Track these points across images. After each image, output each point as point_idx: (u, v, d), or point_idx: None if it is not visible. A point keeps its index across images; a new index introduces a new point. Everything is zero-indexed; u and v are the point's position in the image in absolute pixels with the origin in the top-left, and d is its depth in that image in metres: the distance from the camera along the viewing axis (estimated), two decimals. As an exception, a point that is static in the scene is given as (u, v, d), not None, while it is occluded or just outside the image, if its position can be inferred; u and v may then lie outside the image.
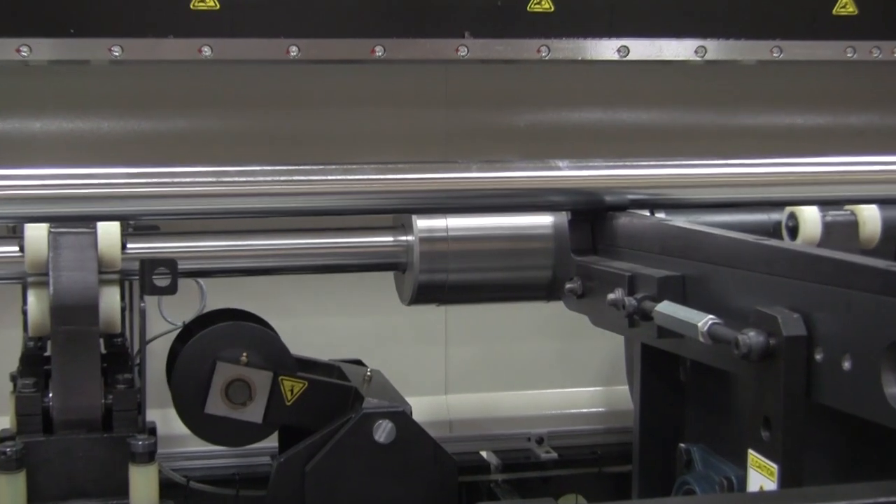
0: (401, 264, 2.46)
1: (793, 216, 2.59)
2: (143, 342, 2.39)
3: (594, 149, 3.25)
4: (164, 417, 2.67)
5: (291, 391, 2.38)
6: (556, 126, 3.31)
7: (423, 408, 2.78)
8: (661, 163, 2.30)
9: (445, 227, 2.40)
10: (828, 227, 2.55)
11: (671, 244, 1.95)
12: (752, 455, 1.56)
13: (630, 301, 1.90)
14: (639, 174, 2.27)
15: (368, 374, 2.53)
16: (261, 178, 2.10)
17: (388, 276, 2.56)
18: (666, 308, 1.79)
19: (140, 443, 2.21)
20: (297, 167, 2.13)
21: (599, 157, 2.28)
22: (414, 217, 2.40)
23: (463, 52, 2.90)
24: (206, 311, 2.61)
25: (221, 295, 2.71)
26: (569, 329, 3.13)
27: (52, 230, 2.24)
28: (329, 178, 2.13)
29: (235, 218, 2.18)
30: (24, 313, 2.29)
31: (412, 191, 2.18)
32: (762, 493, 1.49)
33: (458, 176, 2.21)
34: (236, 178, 2.09)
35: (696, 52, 3.06)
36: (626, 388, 2.58)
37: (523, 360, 3.38)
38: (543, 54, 2.95)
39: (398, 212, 2.41)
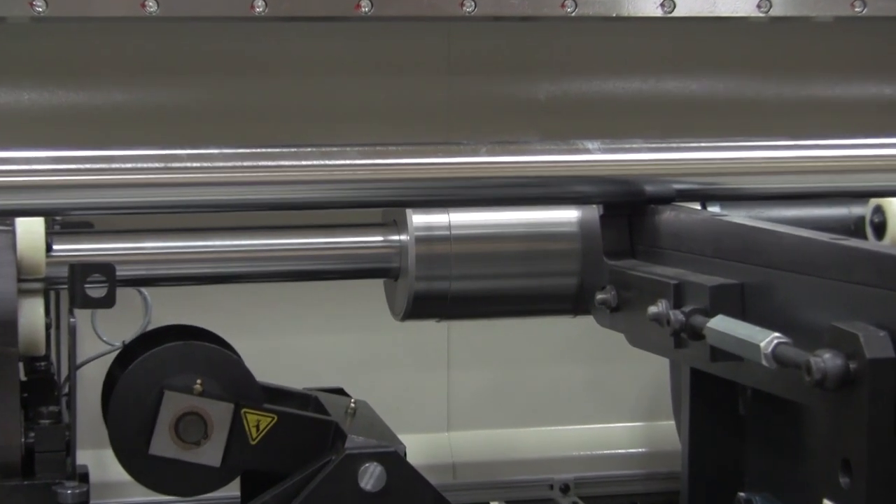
0: (392, 270, 2.46)
1: (879, 210, 2.59)
2: (73, 367, 2.39)
3: (632, 127, 3.25)
4: (99, 460, 2.68)
5: (257, 427, 2.38)
6: (584, 98, 3.32)
7: (420, 447, 2.78)
8: (716, 144, 2.30)
9: (447, 223, 2.41)
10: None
11: (727, 245, 1.95)
12: (829, 506, 1.57)
13: (676, 315, 1.91)
14: (687, 158, 2.27)
15: (352, 405, 2.54)
16: (219, 164, 2.11)
17: (377, 285, 2.57)
18: (721, 324, 1.79)
19: (69, 492, 2.21)
20: (263, 150, 2.14)
21: (638, 137, 2.28)
22: (408, 212, 2.41)
23: (469, 7, 2.90)
24: (151, 327, 2.61)
25: (170, 308, 2.71)
26: (600, 350, 3.14)
27: (-41, 228, 2.25)
28: (303, 163, 2.14)
29: (188, 213, 2.18)
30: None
31: (406, 179, 2.19)
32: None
33: (463, 161, 2.21)
34: (189, 164, 2.10)
35: (758, 6, 3.06)
36: (671, 423, 2.58)
37: (544, 388, 3.39)
38: (569, 9, 2.95)
39: (389, 205, 2.42)
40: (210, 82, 3.16)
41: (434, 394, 3.35)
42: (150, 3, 2.77)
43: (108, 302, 2.24)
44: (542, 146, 2.24)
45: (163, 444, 2.35)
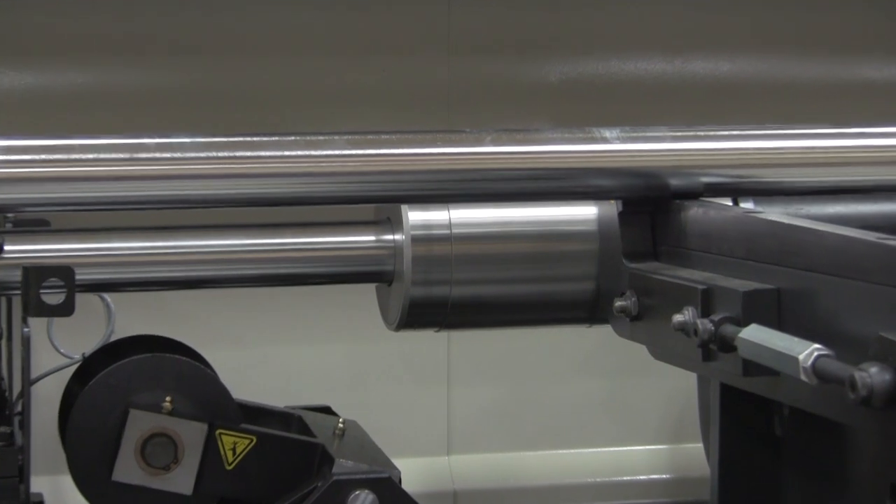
0: (386, 273, 2.47)
1: (932, 206, 2.60)
2: (27, 382, 2.39)
3: (655, 112, 3.26)
4: (56, 486, 2.68)
5: (234, 450, 2.39)
6: (601, 81, 3.32)
7: (416, 473, 2.78)
8: (749, 132, 2.30)
9: (448, 221, 2.41)
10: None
11: (762, 245, 1.95)
12: (875, 538, 1.57)
13: (705, 324, 1.91)
14: (717, 148, 2.27)
15: (341, 425, 2.54)
16: (191, 155, 2.11)
17: (369, 291, 2.58)
18: (754, 334, 1.79)
19: (22, 522, 2.21)
20: (240, 139, 2.14)
21: (662, 124, 2.28)
22: (404, 208, 2.41)
23: (472, -23, 2.91)
24: (114, 338, 2.61)
25: (136, 317, 2.72)
26: (619, 364, 3.14)
27: None
28: (286, 153, 2.14)
29: (155, 209, 2.18)
30: None
31: (401, 171, 2.19)
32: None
33: (466, 151, 2.21)
34: (157, 154, 2.10)
35: (798, -25, 3.07)
36: (699, 445, 2.58)
37: (555, 407, 3.39)
38: (584, -20, 2.96)
39: (382, 200, 2.42)
40: (181, 62, 3.16)
41: (432, 413, 3.35)
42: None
43: (66, 309, 2.24)
44: (554, 135, 2.24)
45: (128, 470, 2.35)
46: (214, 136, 2.13)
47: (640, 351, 2.24)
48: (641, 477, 3.39)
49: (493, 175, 2.21)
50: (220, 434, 2.37)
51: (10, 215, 2.45)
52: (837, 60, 3.44)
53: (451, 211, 2.41)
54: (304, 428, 2.51)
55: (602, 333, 2.38)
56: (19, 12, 3.04)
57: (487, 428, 3.37)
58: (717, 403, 2.19)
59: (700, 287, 1.96)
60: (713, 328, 1.89)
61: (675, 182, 2.24)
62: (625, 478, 3.38)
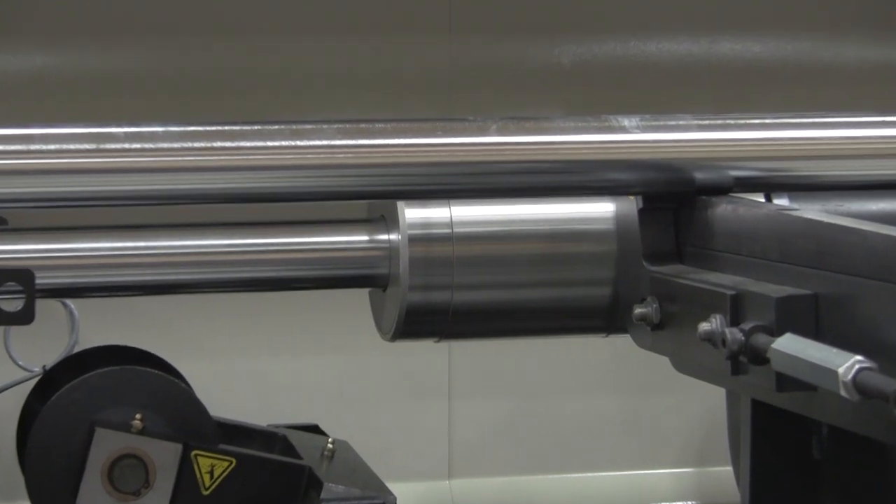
0: (380, 277, 2.47)
1: None
2: (-18, 397, 2.40)
3: (679, 98, 3.26)
4: (14, 514, 2.68)
5: (211, 473, 2.39)
6: (619, 63, 3.32)
7: (414, 498, 2.78)
8: (784, 120, 2.30)
9: (449, 219, 2.41)
10: None
11: (798, 246, 1.95)
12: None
13: (734, 334, 1.91)
14: (748, 138, 2.27)
15: (330, 446, 2.54)
16: (164, 145, 2.10)
17: (362, 297, 2.58)
18: (789, 345, 1.79)
19: (-23, 553, 2.21)
20: (219, 128, 2.13)
21: (687, 112, 2.28)
22: (400, 205, 2.41)
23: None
24: (78, 349, 2.62)
25: (103, 325, 2.72)
26: (639, 378, 3.14)
27: None
28: (270, 144, 2.14)
29: (124, 206, 2.18)
30: None
31: (397, 164, 2.18)
32: None
33: (469, 141, 2.21)
34: (126, 145, 2.09)
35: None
36: (727, 469, 2.58)
37: (567, 426, 3.39)
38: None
39: (377, 196, 2.41)
40: (152, 41, 3.16)
41: (432, 432, 3.36)
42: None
43: (25, 317, 2.23)
44: (567, 123, 2.24)
45: (93, 495, 2.35)
46: (190, 124, 2.13)
47: (662, 363, 2.24)
48: None
49: (498, 168, 2.21)
50: (196, 455, 2.37)
51: (-38, 213, 2.45)
52: (880, 41, 3.44)
53: (452, 208, 2.41)
54: (290, 448, 2.51)
55: (620, 344, 2.38)
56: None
57: (493, 449, 3.37)
58: (747, 422, 2.19)
59: (729, 292, 1.96)
60: (743, 338, 1.89)
61: (700, 176, 2.23)
62: (646, 504, 3.39)
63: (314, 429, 2.69)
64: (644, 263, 2.27)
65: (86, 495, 2.35)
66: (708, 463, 3.34)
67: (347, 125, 2.17)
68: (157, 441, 2.35)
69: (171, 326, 2.88)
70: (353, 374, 3.26)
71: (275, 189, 2.16)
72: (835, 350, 1.72)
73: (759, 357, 1.87)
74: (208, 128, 2.13)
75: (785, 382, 1.85)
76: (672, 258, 2.27)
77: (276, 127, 2.15)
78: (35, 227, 2.43)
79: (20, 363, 2.82)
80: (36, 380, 2.55)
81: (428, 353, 3.24)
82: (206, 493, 2.38)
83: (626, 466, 3.42)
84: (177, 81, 3.15)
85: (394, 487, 2.42)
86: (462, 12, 3.26)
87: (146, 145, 2.10)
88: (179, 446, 2.36)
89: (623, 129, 2.23)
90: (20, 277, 2.24)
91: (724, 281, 2.04)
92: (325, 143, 2.15)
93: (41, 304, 2.26)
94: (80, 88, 3.10)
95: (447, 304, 2.40)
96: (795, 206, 2.24)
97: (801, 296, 1.88)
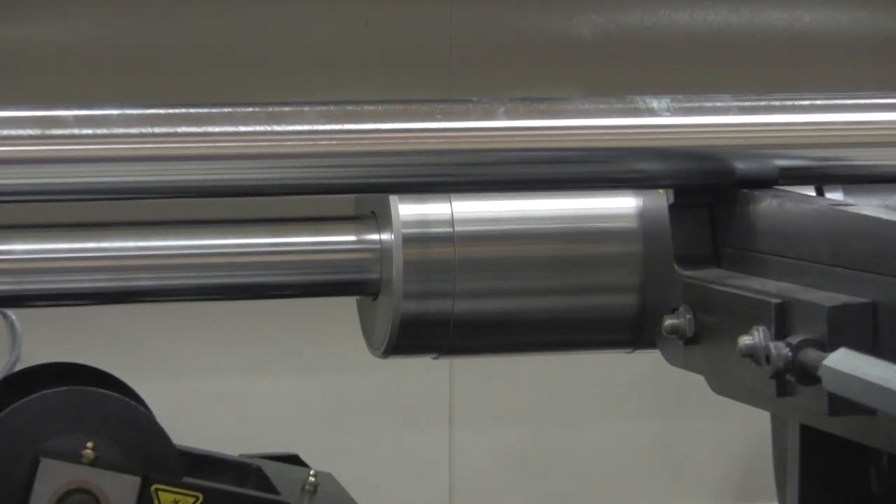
0: (370, 283, 2.47)
1: None
2: None
3: (716, 77, 3.27)
4: (-53, 557, 2.68)
5: (174, 510, 2.39)
6: (647, 36, 3.33)
7: (409, 540, 2.79)
8: (837, 102, 2.31)
9: (450, 216, 2.41)
10: None
11: (853, 247, 1.95)
12: None
13: (780, 349, 1.91)
14: (796, 122, 2.28)
15: (312, 479, 2.55)
16: (120, 131, 2.10)
17: (349, 306, 2.57)
18: (843, 361, 1.79)
19: None
20: (183, 110, 2.13)
21: (725, 92, 2.28)
22: (394, 199, 2.41)
23: None
24: (20, 366, 2.62)
25: (49, 339, 2.72)
26: (669, 400, 3.14)
27: None
28: (242, 129, 2.13)
29: (76, 200, 2.17)
30: None
31: (390, 152, 2.19)
32: None
33: (473, 126, 2.21)
34: (77, 130, 2.09)
35: None
36: (772, 504, 2.59)
37: (585, 455, 3.41)
38: None
39: (366, 190, 2.42)
40: (112, 10, 3.16)
41: (430, 462, 3.37)
42: None
43: (-42, 329, 2.24)
44: (586, 105, 2.24)
45: (38, 535, 2.36)
46: (150, 106, 2.13)
47: (696, 383, 2.23)
48: (698, 544, 3.41)
49: (507, 157, 2.21)
50: (157, 490, 2.38)
51: None
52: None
53: (453, 203, 2.41)
54: (265, 482, 2.52)
55: (647, 361, 2.38)
56: None
57: (500, 483, 3.39)
58: (795, 451, 2.20)
59: (774, 301, 1.97)
60: (791, 354, 1.89)
61: (741, 166, 2.24)
62: (677, 546, 3.41)
63: (293, 459, 2.70)
64: (675, 267, 2.28)
65: (29, 535, 2.36)
66: (749, 498, 3.35)
67: (332, 108, 2.17)
68: (111, 473, 2.36)
69: (127, 341, 2.88)
70: (338, 395, 3.27)
71: (248, 181, 2.17)
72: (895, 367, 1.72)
73: (809, 376, 1.87)
74: (171, 110, 2.14)
75: (838, 405, 1.85)
76: (708, 261, 2.27)
77: (250, 109, 2.15)
78: (-30, 226, 2.43)
79: (-46, 382, 2.82)
80: (-28, 402, 2.55)
81: (425, 372, 3.26)
82: (168, 532, 2.39)
83: (655, 500, 3.43)
84: (138, 56, 3.16)
85: (386, 526, 2.42)
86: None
87: (99, 131, 2.10)
88: (138, 479, 2.37)
89: (651, 112, 2.24)
90: (-46, 284, 2.24)
91: (768, 287, 2.04)
92: (306, 128, 2.16)
93: (-23, 315, 2.28)
94: (23, 68, 3.11)
95: (447, 315, 2.40)
96: (850, 200, 2.25)
97: (856, 304, 1.88)
